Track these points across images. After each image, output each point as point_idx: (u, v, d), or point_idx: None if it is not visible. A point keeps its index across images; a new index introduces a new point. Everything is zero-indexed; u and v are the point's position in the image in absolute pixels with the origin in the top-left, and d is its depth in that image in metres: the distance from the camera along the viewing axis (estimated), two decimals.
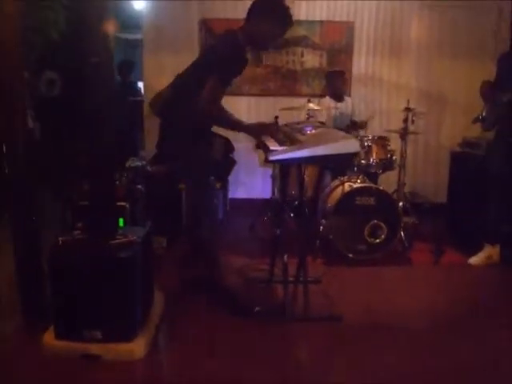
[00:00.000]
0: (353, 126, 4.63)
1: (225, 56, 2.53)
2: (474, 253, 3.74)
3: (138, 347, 2.24)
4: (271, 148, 2.37)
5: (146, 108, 4.85)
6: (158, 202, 3.53)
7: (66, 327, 2.25)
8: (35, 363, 2.25)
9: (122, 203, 2.88)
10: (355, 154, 2.40)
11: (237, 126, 2.74)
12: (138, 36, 5.81)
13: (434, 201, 4.94)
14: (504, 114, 3.38)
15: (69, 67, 4.10)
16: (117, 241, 2.28)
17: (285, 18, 2.64)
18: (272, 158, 2.29)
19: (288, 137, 2.64)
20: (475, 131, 4.40)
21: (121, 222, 2.72)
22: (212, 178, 2.99)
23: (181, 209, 3.65)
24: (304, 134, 2.59)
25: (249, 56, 2.70)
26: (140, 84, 6.16)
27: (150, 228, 2.56)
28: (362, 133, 4.44)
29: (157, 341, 2.43)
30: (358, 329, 2.71)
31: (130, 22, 6.30)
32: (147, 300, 2.54)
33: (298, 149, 2.30)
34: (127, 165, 3.53)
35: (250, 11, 2.64)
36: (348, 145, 2.31)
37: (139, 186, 3.36)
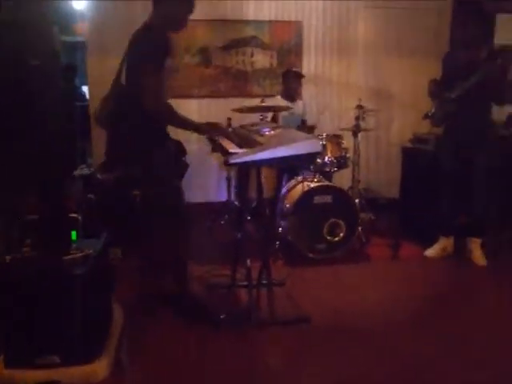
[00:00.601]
0: (303, 127, 4.64)
1: (149, 47, 2.49)
2: (429, 245, 3.84)
3: (100, 368, 2.11)
4: (231, 151, 2.30)
5: (92, 114, 4.65)
6: (111, 211, 3.37)
7: (17, 354, 2.07)
8: None
9: (74, 215, 2.71)
10: (317, 154, 2.37)
11: (189, 124, 2.68)
12: (79, 38, 5.56)
13: (388, 196, 5.04)
14: (452, 110, 3.47)
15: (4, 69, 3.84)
16: (71, 256, 2.14)
17: None
18: (232, 160, 2.22)
19: (246, 138, 2.58)
20: (424, 127, 4.53)
21: (73, 235, 2.55)
22: (177, 179, 2.88)
23: (135, 217, 3.50)
24: (262, 136, 2.53)
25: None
26: (84, 88, 5.91)
27: (105, 239, 2.42)
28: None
29: (120, 359, 2.30)
30: (324, 330, 2.69)
31: (69, 24, 6.01)
32: (106, 316, 2.40)
33: (260, 151, 2.24)
34: (76, 173, 3.35)
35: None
36: (310, 145, 2.27)
37: (90, 196, 3.19)
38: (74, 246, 2.24)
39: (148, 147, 2.63)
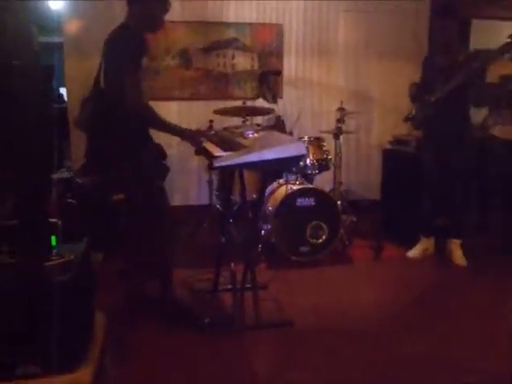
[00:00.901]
0: (277, 122, 4.62)
1: (125, 47, 2.47)
2: (411, 246, 3.88)
3: (84, 376, 2.05)
4: (215, 154, 2.28)
5: (70, 115, 4.57)
6: (91, 215, 3.31)
7: None
8: None
9: (53, 219, 2.64)
10: (302, 157, 2.36)
11: (171, 128, 2.65)
12: (55, 39, 5.46)
13: (369, 198, 5.07)
14: (432, 113, 3.51)
15: None
16: (52, 262, 2.07)
17: None
18: (218, 164, 2.20)
19: (229, 141, 2.56)
20: (403, 129, 4.58)
21: (53, 240, 2.49)
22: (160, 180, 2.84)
23: (116, 221, 3.44)
24: (246, 138, 2.52)
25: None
26: (62, 90, 5.80)
27: (87, 244, 2.37)
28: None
29: (104, 366, 2.25)
30: (310, 332, 2.69)
31: (44, 24, 5.88)
32: (88, 323, 2.34)
33: (245, 154, 2.22)
34: (55, 177, 3.27)
35: None
36: (294, 148, 2.27)
37: (70, 200, 3.11)
38: (54, 251, 2.18)
39: (129, 149, 2.60)
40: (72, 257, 2.13)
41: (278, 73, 4.71)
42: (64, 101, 5.43)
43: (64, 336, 2.02)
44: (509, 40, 3.11)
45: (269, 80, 4.62)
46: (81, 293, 2.15)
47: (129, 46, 2.46)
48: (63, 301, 2.02)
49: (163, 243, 2.78)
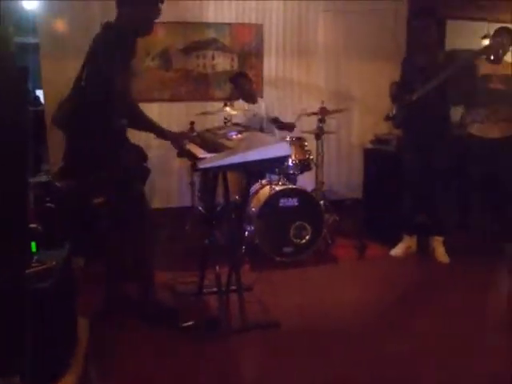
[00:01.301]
0: (275, 123, 4.60)
1: (113, 48, 2.43)
2: (393, 244, 3.91)
3: None
4: (200, 156, 2.25)
5: (48, 118, 4.47)
6: (71, 219, 3.23)
7: None
8: None
9: (33, 225, 2.57)
10: (286, 157, 2.35)
11: (155, 129, 2.63)
12: (30, 40, 5.33)
13: (351, 197, 5.10)
14: (413, 112, 3.54)
15: None
16: (32, 269, 2.02)
17: None
18: (202, 166, 2.17)
19: (213, 143, 2.54)
20: (384, 128, 4.62)
21: (33, 246, 2.42)
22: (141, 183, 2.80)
23: (97, 225, 3.38)
24: (230, 140, 2.50)
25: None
26: (38, 92, 5.68)
27: (69, 250, 2.31)
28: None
29: (88, 375, 2.20)
30: (296, 333, 2.68)
31: (18, 25, 5.74)
32: (71, 330, 2.29)
33: (229, 155, 2.20)
34: (34, 181, 3.19)
35: (118, 0, 2.57)
36: (279, 148, 2.26)
37: (49, 204, 3.04)
38: (34, 258, 2.12)
39: (110, 151, 2.55)
40: (53, 263, 2.08)
41: (244, 74, 4.69)
42: (40, 103, 5.31)
43: (46, 344, 1.97)
44: (487, 42, 3.15)
45: (240, 82, 4.61)
46: (63, 299, 2.11)
47: (119, 48, 2.43)
48: (44, 308, 1.97)
49: (144, 246, 2.74)
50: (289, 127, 4.49)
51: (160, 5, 2.58)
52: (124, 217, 2.62)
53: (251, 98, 4.68)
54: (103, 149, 2.54)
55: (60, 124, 2.76)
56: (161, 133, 2.65)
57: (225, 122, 4.05)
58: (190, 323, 2.65)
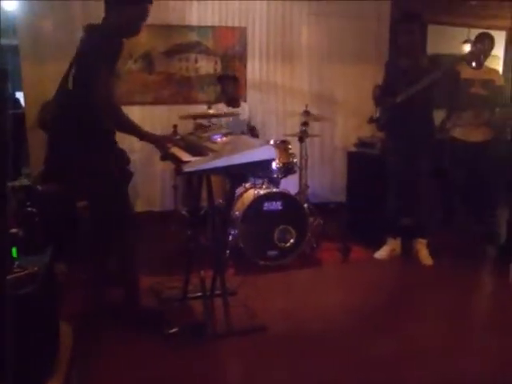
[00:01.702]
0: (251, 132, 4.64)
1: (101, 51, 2.42)
2: (377, 247, 3.93)
3: None
4: (184, 159, 2.24)
5: (28, 121, 4.40)
6: (53, 224, 3.18)
7: None
8: None
9: (14, 230, 2.52)
10: (271, 161, 2.35)
11: (139, 132, 2.60)
12: (8, 41, 5.24)
13: (335, 200, 5.12)
14: (397, 115, 3.58)
15: None
16: (13, 275, 1.97)
17: None
18: (187, 169, 2.15)
19: (197, 146, 2.52)
20: (367, 131, 4.65)
21: (14, 252, 2.37)
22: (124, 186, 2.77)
23: (80, 230, 3.33)
24: (215, 143, 2.48)
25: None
26: (18, 95, 5.57)
27: (51, 255, 2.27)
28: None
29: (71, 381, 2.15)
30: (282, 337, 2.67)
31: None
32: (53, 337, 2.24)
33: (214, 159, 2.19)
34: (15, 185, 3.13)
35: (106, 2, 2.56)
36: (264, 152, 2.25)
37: (30, 208, 2.98)
38: (15, 264, 2.07)
39: (93, 154, 2.51)
40: (35, 269, 2.03)
41: (233, 77, 4.69)
42: (21, 106, 5.22)
43: (28, 351, 1.92)
44: (468, 47, 3.20)
45: (226, 84, 4.60)
46: (45, 306, 2.06)
47: (106, 50, 2.42)
48: (26, 315, 1.92)
49: (128, 250, 2.71)
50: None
51: (148, 6, 2.56)
52: (107, 221, 2.58)
53: (234, 101, 4.67)
54: (87, 152, 2.51)
55: (44, 126, 2.73)
56: (144, 136, 2.61)
57: (208, 126, 4.04)
58: (174, 330, 2.61)
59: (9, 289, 1.90)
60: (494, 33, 4.18)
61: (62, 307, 2.52)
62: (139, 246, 2.87)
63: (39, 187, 3.39)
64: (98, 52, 2.40)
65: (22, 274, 1.97)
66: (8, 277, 1.94)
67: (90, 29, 2.57)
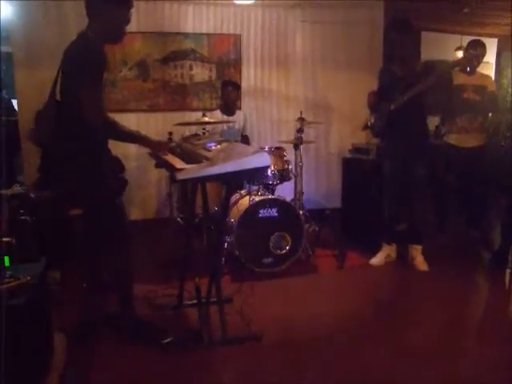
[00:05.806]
0: (243, 140, 4.65)
1: (86, 60, 2.36)
2: (373, 253, 3.93)
3: None
4: (178, 167, 2.22)
5: (22, 128, 4.38)
6: (47, 232, 3.16)
7: None
8: None
9: (7, 238, 2.50)
10: (266, 168, 2.34)
11: (136, 137, 2.59)
12: (2, 49, 5.22)
13: (330, 207, 5.12)
14: (392, 121, 3.58)
15: None
16: (6, 285, 1.95)
17: None
18: (182, 177, 2.14)
19: (192, 154, 2.51)
20: (361, 137, 4.67)
21: (6, 260, 2.35)
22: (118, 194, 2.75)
23: (73, 238, 3.31)
24: (209, 150, 2.47)
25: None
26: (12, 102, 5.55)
27: (45, 264, 2.25)
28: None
29: None
30: (278, 345, 2.65)
31: None
32: (46, 348, 2.22)
33: (209, 166, 2.18)
34: (8, 192, 3.11)
35: (87, 7, 2.49)
36: (259, 159, 2.24)
37: (24, 217, 2.97)
38: (8, 273, 2.05)
39: (87, 163, 2.50)
40: (28, 278, 2.02)
41: (237, 86, 4.71)
42: (15, 113, 5.19)
43: (21, 362, 1.90)
44: (461, 54, 3.22)
45: (228, 90, 4.61)
46: (38, 316, 2.05)
47: (89, 58, 2.37)
48: (19, 325, 1.90)
49: (123, 259, 2.68)
50: None
51: (130, 10, 2.51)
52: (101, 229, 2.56)
53: (230, 109, 4.68)
54: (80, 161, 2.49)
55: (36, 140, 2.70)
56: (142, 140, 2.60)
57: (203, 133, 4.04)
58: (169, 339, 2.59)
59: (1, 299, 1.89)
60: (486, 40, 4.22)
61: (56, 316, 2.51)
62: (134, 253, 2.87)
63: (33, 195, 3.37)
64: (83, 61, 2.35)
65: (14, 284, 1.95)
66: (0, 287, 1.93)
67: (77, 37, 2.51)
